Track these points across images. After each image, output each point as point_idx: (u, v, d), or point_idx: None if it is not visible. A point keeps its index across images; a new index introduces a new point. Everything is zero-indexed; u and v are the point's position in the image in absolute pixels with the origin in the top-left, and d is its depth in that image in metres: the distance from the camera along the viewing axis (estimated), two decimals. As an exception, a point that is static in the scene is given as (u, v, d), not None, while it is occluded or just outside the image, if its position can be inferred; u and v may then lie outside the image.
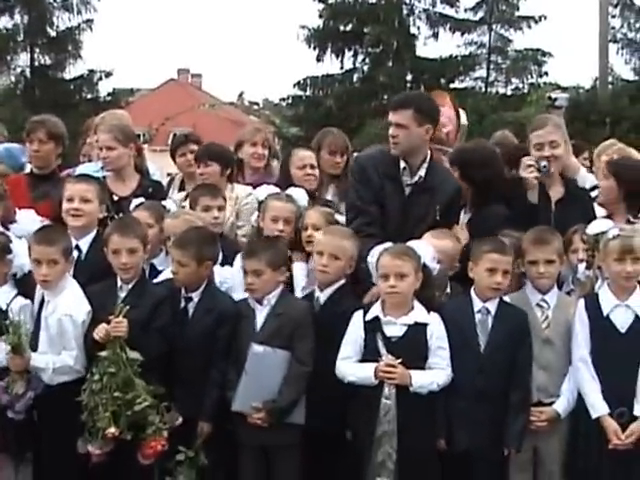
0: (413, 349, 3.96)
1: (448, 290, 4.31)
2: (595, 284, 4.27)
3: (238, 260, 4.44)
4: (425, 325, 3.99)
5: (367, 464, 3.92)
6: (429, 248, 4.13)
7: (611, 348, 4.02)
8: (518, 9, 27.99)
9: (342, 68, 27.98)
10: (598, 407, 3.99)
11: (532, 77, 27.97)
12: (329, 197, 5.39)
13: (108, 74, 27.63)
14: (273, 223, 4.63)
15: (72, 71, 27.62)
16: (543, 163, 4.77)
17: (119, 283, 4.25)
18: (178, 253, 4.24)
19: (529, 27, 27.86)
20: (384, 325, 3.99)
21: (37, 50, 27.39)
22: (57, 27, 27.47)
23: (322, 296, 4.25)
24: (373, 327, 3.99)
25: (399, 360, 3.90)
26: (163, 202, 4.98)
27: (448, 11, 28.31)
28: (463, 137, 5.88)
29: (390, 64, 27.06)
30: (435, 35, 28.15)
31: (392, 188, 4.54)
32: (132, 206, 4.87)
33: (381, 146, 4.92)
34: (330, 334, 4.09)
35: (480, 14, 28.32)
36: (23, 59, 27.41)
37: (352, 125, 21.42)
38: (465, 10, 28.25)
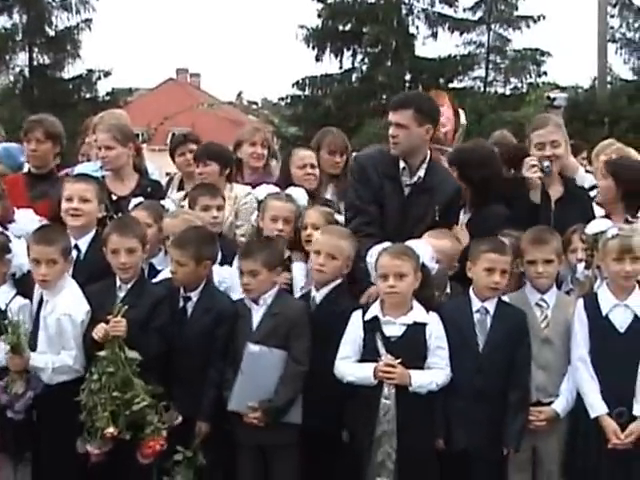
0: (412, 349, 3.96)
1: (448, 290, 4.31)
2: (594, 284, 4.27)
3: (237, 260, 4.44)
4: (424, 325, 3.99)
5: (367, 464, 3.92)
6: (427, 248, 4.13)
7: (610, 348, 4.02)
8: (517, 9, 28.07)
9: (341, 68, 28.07)
10: (597, 407, 3.99)
11: (531, 77, 28.04)
12: (328, 197, 5.39)
13: (107, 74, 27.67)
14: (272, 223, 4.64)
15: (71, 71, 27.74)
16: (546, 163, 4.78)
17: (118, 283, 4.25)
18: (177, 253, 4.24)
19: (528, 27, 27.93)
20: (383, 325, 3.99)
21: (36, 50, 27.41)
22: (56, 27, 27.54)
23: (318, 295, 4.25)
24: (372, 327, 3.99)
25: (398, 360, 3.90)
26: (162, 202, 4.98)
27: (447, 11, 28.42)
28: (461, 137, 5.88)
29: (389, 64, 27.09)
30: (434, 35, 28.22)
31: (391, 188, 4.54)
32: (131, 206, 4.87)
33: (380, 146, 4.92)
34: (326, 333, 4.09)
35: (479, 14, 28.37)
36: (22, 58, 27.48)
37: (351, 125, 21.45)
38: (464, 10, 28.35)
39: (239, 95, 60.10)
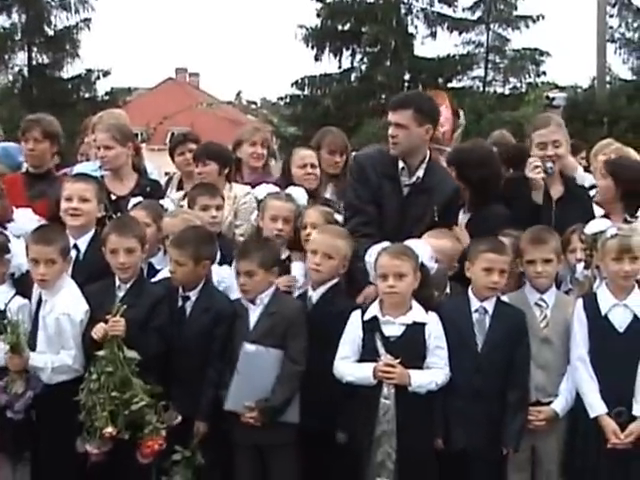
0: (412, 349, 3.95)
1: (448, 290, 4.31)
2: (593, 284, 4.27)
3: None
4: (423, 325, 3.99)
5: (366, 464, 3.92)
6: (426, 247, 4.13)
7: (609, 348, 4.02)
8: (516, 8, 28.02)
9: (340, 67, 28.02)
10: (596, 406, 3.99)
11: (530, 76, 27.99)
12: (328, 196, 5.39)
13: (106, 73, 27.66)
14: (272, 222, 4.64)
15: (70, 70, 27.71)
16: (549, 165, 4.78)
17: (117, 282, 4.25)
18: (176, 252, 4.24)
19: (527, 26, 27.89)
20: (382, 325, 3.98)
21: (35, 49, 27.38)
22: (55, 26, 27.51)
23: (315, 295, 4.25)
24: (371, 327, 3.99)
25: (398, 360, 3.90)
26: (161, 201, 4.98)
27: (446, 10, 28.36)
28: (459, 137, 5.89)
29: (388, 63, 27.06)
30: (433, 34, 28.17)
31: (390, 188, 4.53)
32: (130, 205, 4.86)
33: (380, 146, 4.92)
34: (323, 333, 4.09)
35: (478, 13, 28.33)
36: (21, 58, 27.44)
37: (350, 124, 21.42)
38: (463, 9, 28.29)
39: (238, 95, 60.13)
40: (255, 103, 55.78)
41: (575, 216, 4.58)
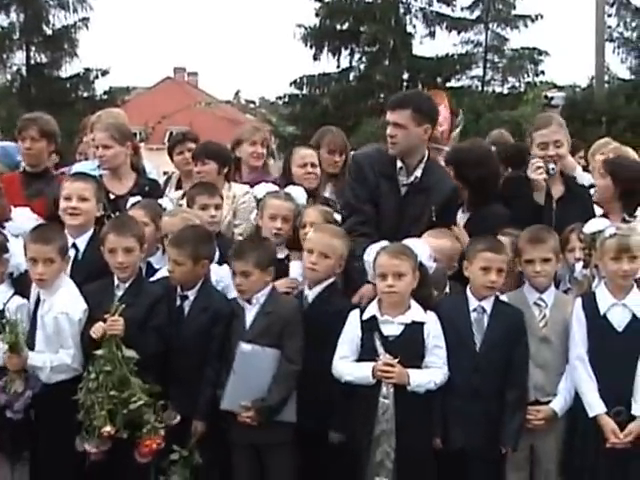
0: (410, 348, 3.95)
1: (447, 290, 4.31)
2: (592, 283, 4.27)
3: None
4: (422, 324, 3.99)
5: (365, 464, 3.92)
6: (425, 247, 4.13)
7: (608, 347, 4.02)
8: (514, 8, 28.03)
9: (338, 67, 28.02)
10: (595, 406, 3.99)
11: (528, 76, 28.00)
12: (327, 195, 5.39)
13: (104, 72, 27.66)
14: (271, 221, 4.64)
15: (68, 69, 27.71)
16: (552, 165, 4.78)
17: (116, 282, 4.25)
18: (174, 252, 4.24)
19: (525, 26, 27.90)
20: (381, 324, 3.98)
21: (33, 48, 27.38)
22: (53, 25, 27.51)
23: (311, 294, 4.24)
24: (370, 326, 3.99)
25: (397, 359, 3.90)
26: (160, 200, 4.98)
27: (444, 10, 28.36)
28: (457, 136, 5.89)
29: (386, 63, 27.06)
30: (431, 34, 28.17)
31: (388, 187, 4.52)
32: (128, 204, 4.86)
33: (378, 145, 4.92)
34: (318, 332, 4.09)
35: (476, 13, 28.34)
36: (19, 57, 27.45)
37: (348, 124, 21.41)
38: (461, 9, 28.30)
39: (237, 94, 60.06)
40: (254, 102, 55.79)
41: (576, 215, 4.57)
